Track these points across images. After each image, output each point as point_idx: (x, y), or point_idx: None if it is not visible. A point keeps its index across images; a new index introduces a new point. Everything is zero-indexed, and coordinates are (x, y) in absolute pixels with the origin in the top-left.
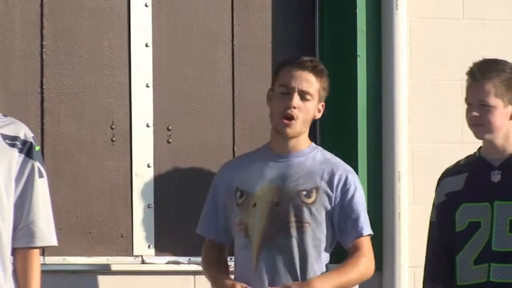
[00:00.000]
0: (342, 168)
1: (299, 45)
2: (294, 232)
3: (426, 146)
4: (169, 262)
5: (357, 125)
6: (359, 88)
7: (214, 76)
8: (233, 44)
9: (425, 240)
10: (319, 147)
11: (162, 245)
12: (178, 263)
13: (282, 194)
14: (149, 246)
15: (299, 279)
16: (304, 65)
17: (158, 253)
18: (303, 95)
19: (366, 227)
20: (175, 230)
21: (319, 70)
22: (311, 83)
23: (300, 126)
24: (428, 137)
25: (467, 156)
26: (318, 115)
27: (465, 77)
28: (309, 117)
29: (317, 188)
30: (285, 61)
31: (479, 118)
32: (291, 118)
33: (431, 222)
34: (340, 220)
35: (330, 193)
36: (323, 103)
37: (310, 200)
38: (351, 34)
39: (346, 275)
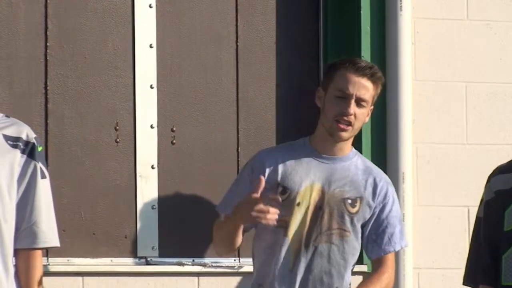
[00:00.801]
0: (384, 179)
1: (303, 46)
2: (336, 239)
3: (431, 147)
4: (173, 263)
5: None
6: None
7: (218, 77)
8: (237, 45)
9: (430, 241)
10: (358, 152)
11: (166, 246)
12: (182, 264)
13: (326, 199)
14: (153, 247)
15: (334, 287)
16: (363, 72)
17: (162, 254)
18: (359, 102)
19: (399, 242)
20: (179, 231)
21: (378, 78)
22: (368, 90)
23: (354, 131)
24: (433, 138)
25: None
26: (367, 119)
27: (470, 78)
28: (362, 123)
29: (361, 198)
30: (341, 64)
31: None
32: (348, 124)
33: (477, 218)
34: (373, 231)
35: (372, 203)
36: (372, 107)
37: (354, 210)
38: (355, 35)
39: None
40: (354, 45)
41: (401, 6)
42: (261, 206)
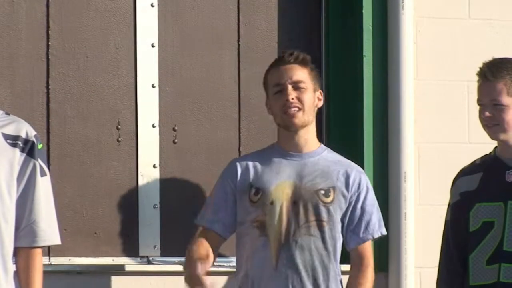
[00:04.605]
0: (356, 169)
1: (305, 46)
2: (314, 231)
3: (432, 146)
4: (174, 263)
5: (363, 126)
6: (365, 88)
7: (220, 77)
8: (239, 45)
9: (431, 241)
10: (328, 148)
11: (167, 245)
12: (183, 263)
13: (300, 193)
14: (154, 247)
15: (321, 279)
16: (286, 59)
17: (163, 254)
18: (296, 85)
19: (377, 230)
20: (181, 230)
21: (302, 60)
22: (299, 74)
23: (306, 114)
24: (434, 138)
25: (483, 156)
26: (320, 103)
27: (472, 77)
28: (311, 105)
29: (334, 188)
30: (269, 67)
31: (492, 118)
32: (296, 110)
33: (446, 222)
34: (350, 222)
35: (346, 193)
36: (320, 91)
37: (328, 200)
38: (357, 34)
39: None
40: (356, 44)
41: (403, 5)
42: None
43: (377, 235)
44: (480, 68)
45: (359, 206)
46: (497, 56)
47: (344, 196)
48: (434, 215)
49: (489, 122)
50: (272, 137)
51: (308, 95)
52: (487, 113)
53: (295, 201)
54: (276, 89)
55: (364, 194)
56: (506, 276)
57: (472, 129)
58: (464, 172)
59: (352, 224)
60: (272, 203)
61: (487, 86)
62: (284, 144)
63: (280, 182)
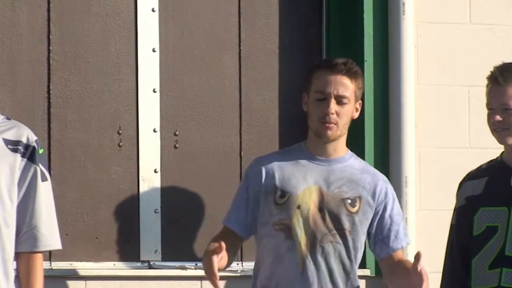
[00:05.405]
0: (382, 179)
1: (306, 50)
2: (339, 239)
3: (433, 151)
4: (176, 267)
5: (364, 130)
6: (366, 93)
7: (221, 81)
8: (240, 49)
9: (432, 245)
10: (354, 154)
11: (169, 250)
12: (185, 268)
13: (326, 200)
14: (156, 251)
15: (345, 286)
16: (337, 68)
17: (165, 258)
18: (339, 99)
19: (404, 239)
20: (182, 235)
21: (354, 72)
22: (347, 87)
23: (340, 129)
24: (435, 142)
25: (490, 161)
26: (356, 115)
27: (473, 82)
28: (348, 119)
29: (360, 198)
30: (318, 65)
31: (502, 123)
32: (332, 123)
33: (451, 226)
34: (379, 231)
35: (372, 203)
36: (360, 102)
37: (354, 209)
38: (358, 39)
39: None
40: (357, 49)
41: (404, 10)
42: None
43: (405, 244)
44: (491, 72)
45: (387, 215)
46: (498, 61)
47: (370, 206)
48: (435, 220)
49: (499, 126)
50: (273, 141)
51: (348, 110)
52: (497, 118)
53: (321, 207)
54: (319, 95)
55: (391, 204)
56: (507, 281)
57: (473, 134)
58: (470, 177)
59: (382, 234)
60: (299, 207)
61: (498, 90)
62: (313, 148)
63: (307, 187)
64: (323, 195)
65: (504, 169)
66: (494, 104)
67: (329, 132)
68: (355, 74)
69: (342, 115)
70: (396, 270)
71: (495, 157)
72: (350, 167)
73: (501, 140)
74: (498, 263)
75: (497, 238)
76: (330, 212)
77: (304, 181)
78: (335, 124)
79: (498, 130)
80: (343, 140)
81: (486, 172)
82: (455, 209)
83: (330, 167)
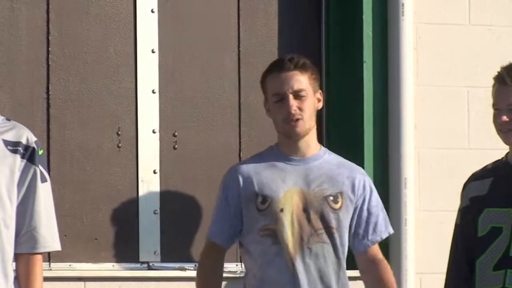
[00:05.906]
0: (359, 171)
1: (305, 51)
2: (326, 238)
3: (433, 152)
4: (175, 268)
5: (364, 131)
6: (365, 94)
7: (220, 82)
8: (239, 50)
9: (432, 246)
10: (328, 150)
11: (168, 251)
12: (184, 269)
13: (308, 199)
14: (155, 252)
15: (334, 286)
16: (285, 66)
17: (164, 259)
18: (297, 94)
19: (384, 230)
20: (181, 236)
21: (302, 65)
22: (300, 81)
23: (307, 122)
24: (435, 143)
25: (495, 161)
26: (320, 105)
27: (472, 82)
28: (311, 111)
29: (341, 193)
30: (267, 70)
31: (508, 123)
32: (297, 120)
33: (455, 226)
34: (357, 225)
35: (352, 197)
36: (320, 91)
37: (337, 206)
38: (358, 40)
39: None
40: (356, 50)
41: (403, 11)
42: None
43: (385, 235)
44: (498, 72)
45: (365, 208)
46: (497, 62)
47: (351, 200)
48: (434, 221)
49: (505, 127)
50: (272, 142)
51: (309, 102)
52: (504, 118)
53: (305, 208)
54: (276, 98)
55: (369, 196)
56: (511, 283)
57: (472, 135)
58: (475, 177)
59: (360, 228)
60: (282, 210)
61: (505, 90)
62: (286, 149)
63: (288, 190)
64: (305, 196)
65: (509, 170)
66: (501, 104)
67: (297, 129)
68: (304, 66)
69: (304, 109)
70: (368, 276)
71: (499, 158)
72: (327, 163)
73: (506, 141)
74: (502, 264)
75: (502, 239)
76: (315, 212)
77: (283, 184)
78: (301, 119)
79: (504, 130)
80: (314, 135)
81: (491, 172)
82: (459, 210)
83: (307, 165)
